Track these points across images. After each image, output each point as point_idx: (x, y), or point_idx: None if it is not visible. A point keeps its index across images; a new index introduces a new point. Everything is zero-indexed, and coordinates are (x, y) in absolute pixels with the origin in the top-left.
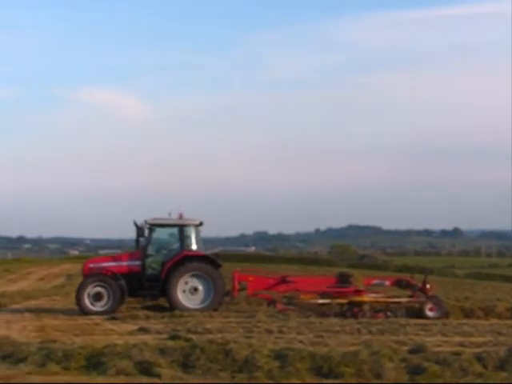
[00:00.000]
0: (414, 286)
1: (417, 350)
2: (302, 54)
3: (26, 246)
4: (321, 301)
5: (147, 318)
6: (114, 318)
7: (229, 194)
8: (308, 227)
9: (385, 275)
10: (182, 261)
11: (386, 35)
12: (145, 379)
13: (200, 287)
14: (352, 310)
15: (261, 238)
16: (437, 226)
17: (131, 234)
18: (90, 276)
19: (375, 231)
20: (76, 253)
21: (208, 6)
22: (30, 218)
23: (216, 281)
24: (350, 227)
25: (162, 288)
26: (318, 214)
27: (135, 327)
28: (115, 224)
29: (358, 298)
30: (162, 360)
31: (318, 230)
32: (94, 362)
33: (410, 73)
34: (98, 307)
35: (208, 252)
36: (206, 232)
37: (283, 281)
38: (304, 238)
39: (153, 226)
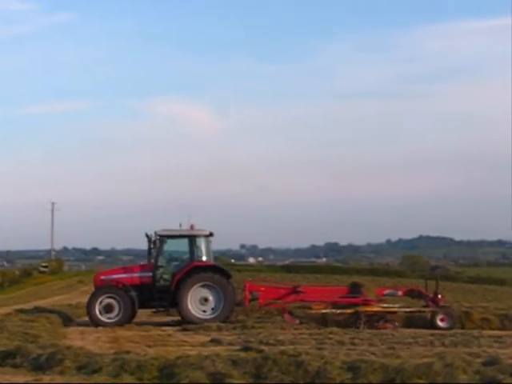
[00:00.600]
0: (426, 296)
1: (491, 362)
2: (373, 64)
3: (100, 257)
4: (324, 311)
5: (219, 329)
6: (186, 330)
7: (299, 205)
8: (379, 238)
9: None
10: (192, 271)
11: (458, 44)
12: None
13: (210, 297)
14: (359, 320)
15: (331, 249)
16: (510, 236)
17: None
18: (101, 288)
19: (447, 242)
20: None
21: (280, 15)
22: (103, 230)
23: (226, 291)
24: (422, 238)
25: (172, 299)
26: (389, 224)
27: (207, 338)
28: None
29: (364, 308)
30: (235, 371)
31: (389, 241)
32: (167, 372)
33: (485, 81)
34: (109, 319)
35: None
36: (276, 244)
37: (294, 291)
38: (375, 248)
39: (163, 237)
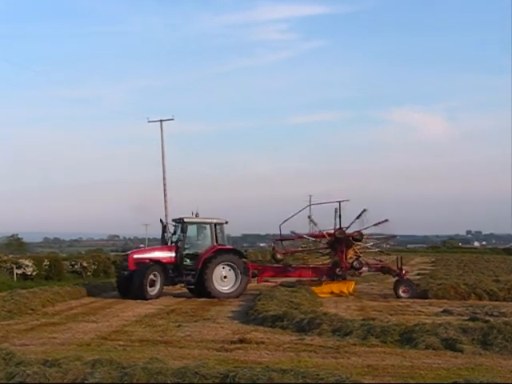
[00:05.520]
0: (394, 270)
1: None
2: None
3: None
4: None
5: (449, 302)
6: (423, 302)
7: None
8: None
9: None
10: (215, 253)
11: None
12: (449, 353)
13: (229, 275)
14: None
15: None
16: None
17: (433, 231)
18: (147, 266)
19: None
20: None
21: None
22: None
23: (242, 270)
24: None
25: (198, 276)
26: None
27: (440, 309)
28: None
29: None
30: (464, 338)
31: None
32: (407, 337)
33: None
34: (151, 293)
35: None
36: (498, 230)
37: (285, 270)
38: None
39: (187, 224)
